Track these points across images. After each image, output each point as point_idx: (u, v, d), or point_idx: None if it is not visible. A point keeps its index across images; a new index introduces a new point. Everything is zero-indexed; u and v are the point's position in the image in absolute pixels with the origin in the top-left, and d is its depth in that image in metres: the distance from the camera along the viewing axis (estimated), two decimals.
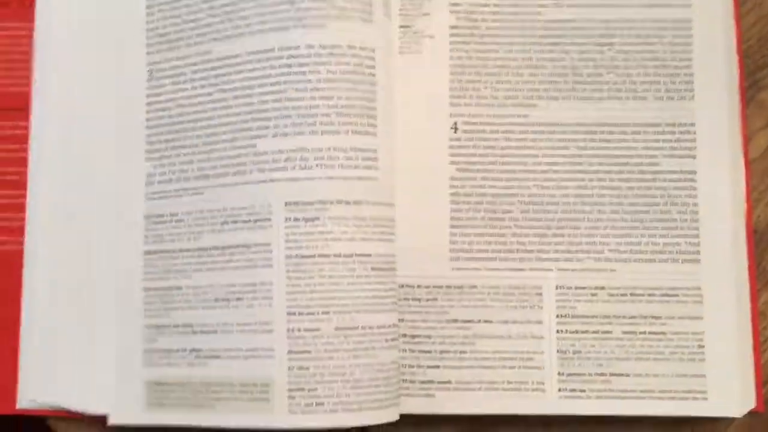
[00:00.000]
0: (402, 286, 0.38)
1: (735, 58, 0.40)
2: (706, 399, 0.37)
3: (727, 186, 0.39)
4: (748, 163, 0.40)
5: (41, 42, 0.41)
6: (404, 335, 0.38)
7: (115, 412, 0.38)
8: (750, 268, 0.39)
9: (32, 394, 0.39)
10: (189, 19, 0.38)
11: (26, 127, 0.40)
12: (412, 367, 0.37)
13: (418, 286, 0.38)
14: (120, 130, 0.39)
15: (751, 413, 0.38)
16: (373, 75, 0.36)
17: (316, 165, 0.36)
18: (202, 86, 0.38)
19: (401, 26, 0.39)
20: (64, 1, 0.41)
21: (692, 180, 0.38)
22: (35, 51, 0.41)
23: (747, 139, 0.40)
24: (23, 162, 0.40)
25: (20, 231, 0.40)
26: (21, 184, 0.40)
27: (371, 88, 0.36)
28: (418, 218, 0.38)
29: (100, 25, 0.40)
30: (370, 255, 0.36)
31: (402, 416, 0.37)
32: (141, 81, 0.39)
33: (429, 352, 0.37)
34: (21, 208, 0.40)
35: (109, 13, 0.40)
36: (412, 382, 0.37)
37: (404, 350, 0.38)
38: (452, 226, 0.38)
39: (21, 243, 0.40)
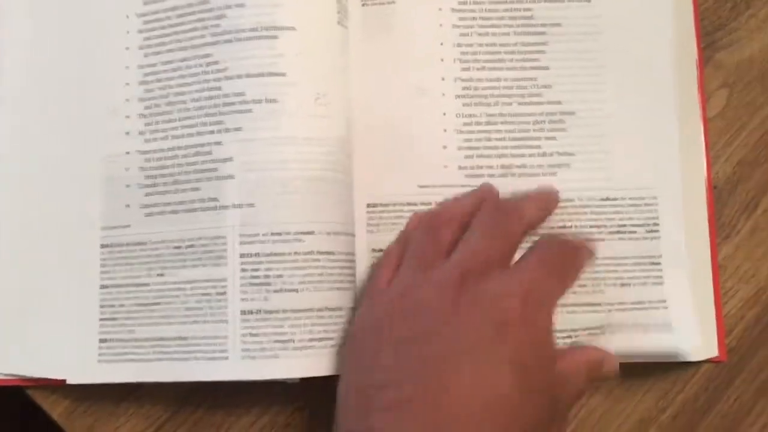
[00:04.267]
0: None
1: (691, 19, 0.42)
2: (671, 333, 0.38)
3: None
4: (707, 121, 0.41)
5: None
6: None
7: (72, 373, 0.38)
8: (710, 222, 0.40)
9: None
10: None
11: None
12: None
13: None
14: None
15: (714, 362, 0.40)
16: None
17: None
18: None
19: None
20: None
21: None
22: None
23: (705, 98, 0.41)
24: None
25: None
26: None
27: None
28: None
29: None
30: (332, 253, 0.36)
31: None
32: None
33: None
34: None
35: None
36: None
37: None
38: None
39: None
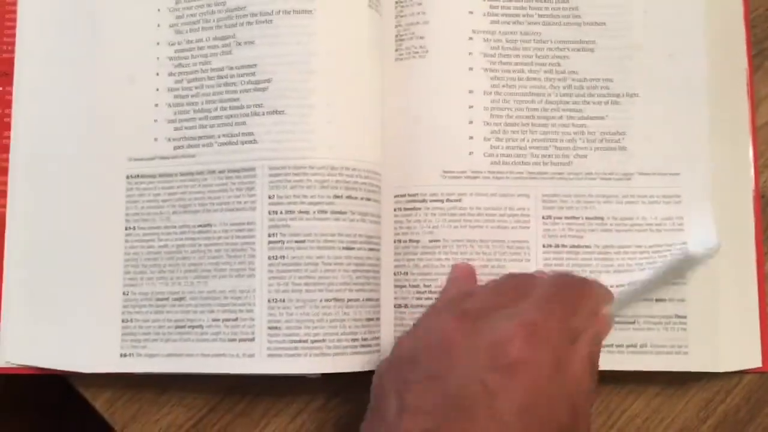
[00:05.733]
0: None
1: (742, 27, 0.41)
2: (687, 354, 0.38)
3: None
4: (755, 130, 0.41)
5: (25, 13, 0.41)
6: None
7: (92, 362, 0.38)
8: (757, 232, 0.40)
9: (9, 354, 0.39)
10: None
11: (10, 92, 0.41)
12: None
13: None
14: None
15: (757, 373, 0.39)
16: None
17: None
18: None
19: None
20: None
21: None
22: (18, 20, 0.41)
23: (755, 106, 0.41)
24: (8, 126, 0.40)
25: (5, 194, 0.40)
26: (6, 148, 0.40)
27: None
28: None
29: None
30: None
31: None
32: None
33: None
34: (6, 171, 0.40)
35: None
36: None
37: None
38: None
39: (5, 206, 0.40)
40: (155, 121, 0.39)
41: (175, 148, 0.39)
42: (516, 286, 0.34)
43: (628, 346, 0.38)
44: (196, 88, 0.39)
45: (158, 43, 0.39)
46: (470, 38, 0.40)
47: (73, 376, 0.39)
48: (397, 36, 0.40)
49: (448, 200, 0.39)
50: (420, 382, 0.31)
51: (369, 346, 0.37)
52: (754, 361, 0.39)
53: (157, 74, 0.39)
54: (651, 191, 0.39)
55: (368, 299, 0.37)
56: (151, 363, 0.38)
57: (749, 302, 0.39)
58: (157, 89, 0.39)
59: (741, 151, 0.40)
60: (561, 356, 0.31)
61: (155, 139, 0.39)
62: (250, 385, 0.39)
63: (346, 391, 0.40)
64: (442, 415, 0.30)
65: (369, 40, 0.39)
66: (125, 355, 0.38)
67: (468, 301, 0.33)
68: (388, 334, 0.39)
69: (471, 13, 0.40)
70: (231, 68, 0.38)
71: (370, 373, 0.36)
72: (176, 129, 0.39)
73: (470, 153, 0.39)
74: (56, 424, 0.57)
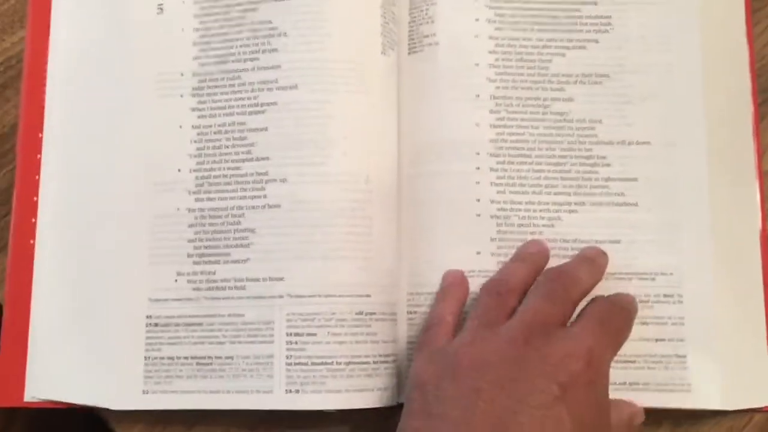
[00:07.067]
0: None
1: (748, 76, 0.43)
2: (689, 391, 0.40)
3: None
4: (762, 176, 0.42)
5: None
6: None
7: (115, 399, 0.39)
8: (765, 277, 0.41)
9: (35, 389, 0.40)
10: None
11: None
12: None
13: None
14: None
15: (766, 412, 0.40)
16: None
17: None
18: None
19: None
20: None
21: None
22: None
23: (761, 153, 0.43)
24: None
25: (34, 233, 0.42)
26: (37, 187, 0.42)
27: None
28: None
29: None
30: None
31: None
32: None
33: None
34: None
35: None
36: None
37: None
38: None
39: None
40: (179, 170, 0.41)
41: (196, 199, 0.41)
42: (565, 292, 0.37)
43: (631, 384, 0.39)
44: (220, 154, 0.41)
45: (182, 96, 0.42)
46: (478, 167, 0.42)
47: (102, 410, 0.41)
48: None
49: None
50: (491, 389, 0.33)
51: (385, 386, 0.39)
52: (763, 401, 0.40)
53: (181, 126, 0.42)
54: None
55: (386, 341, 0.40)
56: (171, 399, 0.39)
57: (757, 343, 0.41)
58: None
59: (747, 195, 0.42)
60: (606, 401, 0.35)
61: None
62: (279, 419, 0.41)
63: (367, 425, 0.41)
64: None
65: None
66: (147, 392, 0.40)
67: (529, 315, 0.35)
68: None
69: (477, 125, 0.42)
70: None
71: (388, 408, 0.38)
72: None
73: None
74: None
